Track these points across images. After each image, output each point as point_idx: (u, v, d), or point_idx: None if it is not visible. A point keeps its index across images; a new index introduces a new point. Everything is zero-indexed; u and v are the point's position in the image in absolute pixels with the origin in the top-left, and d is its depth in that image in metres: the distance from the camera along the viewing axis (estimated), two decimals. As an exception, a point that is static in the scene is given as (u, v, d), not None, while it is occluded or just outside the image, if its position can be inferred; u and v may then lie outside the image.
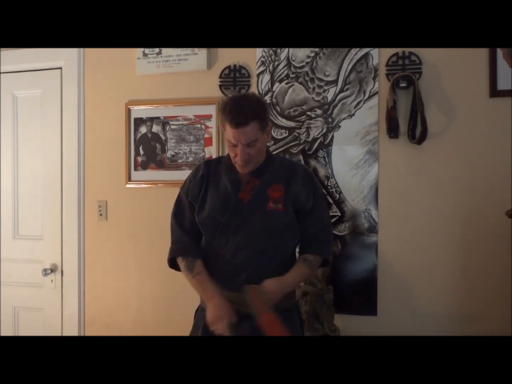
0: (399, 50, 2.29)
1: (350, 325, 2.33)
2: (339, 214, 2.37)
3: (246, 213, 1.72)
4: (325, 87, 2.40)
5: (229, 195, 1.75)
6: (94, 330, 2.75)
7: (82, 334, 2.77)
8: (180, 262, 1.80)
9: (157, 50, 2.60)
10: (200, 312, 1.82)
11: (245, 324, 1.66)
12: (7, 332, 2.89)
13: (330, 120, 2.39)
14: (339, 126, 2.38)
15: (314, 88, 2.42)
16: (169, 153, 2.63)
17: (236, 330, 1.64)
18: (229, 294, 1.70)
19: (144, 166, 2.67)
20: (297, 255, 1.85)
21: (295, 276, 1.75)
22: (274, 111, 2.47)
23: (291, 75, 2.44)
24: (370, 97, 2.34)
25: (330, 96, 2.39)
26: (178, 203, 1.86)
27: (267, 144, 1.89)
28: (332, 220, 2.35)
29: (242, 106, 1.65)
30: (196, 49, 2.54)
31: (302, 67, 2.43)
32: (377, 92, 2.33)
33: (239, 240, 1.71)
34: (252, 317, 1.62)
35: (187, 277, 1.78)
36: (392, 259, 2.31)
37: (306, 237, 1.80)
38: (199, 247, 1.81)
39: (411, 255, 2.29)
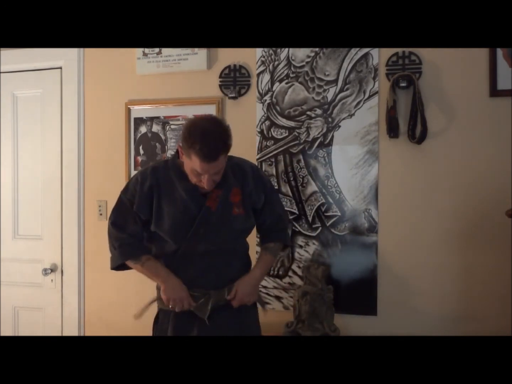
0: (399, 50, 2.29)
1: (350, 325, 2.34)
2: (339, 214, 2.37)
3: (214, 220, 1.77)
4: (325, 87, 2.40)
5: (187, 204, 1.76)
6: (94, 330, 2.75)
7: (82, 334, 2.77)
8: (129, 261, 1.83)
9: (157, 50, 2.60)
10: (162, 318, 1.86)
11: (222, 314, 1.78)
12: (7, 332, 2.89)
13: (330, 120, 2.39)
14: (339, 126, 2.38)
15: (314, 88, 2.41)
16: (169, 153, 2.63)
17: (215, 321, 1.77)
18: (199, 291, 1.78)
19: (144, 166, 2.67)
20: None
21: (262, 266, 1.90)
22: (274, 111, 2.46)
23: (291, 75, 2.44)
24: (370, 97, 2.34)
25: (330, 96, 2.39)
26: (119, 209, 1.82)
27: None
28: (332, 220, 2.37)
29: (212, 142, 1.61)
30: (196, 49, 2.54)
31: (302, 66, 2.43)
32: (377, 92, 2.33)
33: (208, 245, 1.77)
34: (226, 307, 1.78)
35: (136, 268, 1.83)
36: (392, 259, 2.31)
37: (265, 229, 1.94)
38: (145, 246, 1.85)
39: (411, 255, 2.29)
